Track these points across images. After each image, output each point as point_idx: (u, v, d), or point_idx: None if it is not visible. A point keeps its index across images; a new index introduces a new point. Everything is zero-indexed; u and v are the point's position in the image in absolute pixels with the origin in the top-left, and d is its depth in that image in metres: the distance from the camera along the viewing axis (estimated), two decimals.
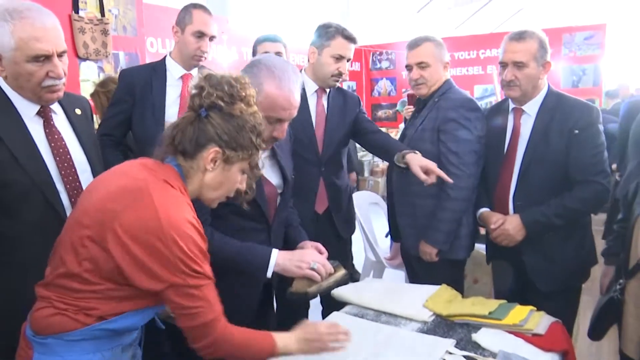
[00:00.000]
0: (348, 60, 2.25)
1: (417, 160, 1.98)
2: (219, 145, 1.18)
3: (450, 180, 1.98)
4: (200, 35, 2.23)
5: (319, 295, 1.56)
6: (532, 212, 2.02)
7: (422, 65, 2.18)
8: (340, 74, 2.23)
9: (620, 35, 6.99)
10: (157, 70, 2.26)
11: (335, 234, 2.35)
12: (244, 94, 1.21)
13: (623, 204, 2.10)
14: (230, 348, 1.18)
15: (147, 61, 2.58)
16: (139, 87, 2.20)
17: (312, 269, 1.49)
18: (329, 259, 1.60)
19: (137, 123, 2.19)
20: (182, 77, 2.28)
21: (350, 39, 2.22)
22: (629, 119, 3.55)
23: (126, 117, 2.20)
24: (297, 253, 1.54)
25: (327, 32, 2.20)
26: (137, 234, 1.07)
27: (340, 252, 2.39)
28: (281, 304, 2.19)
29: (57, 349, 1.12)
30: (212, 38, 2.28)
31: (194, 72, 2.32)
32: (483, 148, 2.16)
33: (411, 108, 3.88)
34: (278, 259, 1.50)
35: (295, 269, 1.50)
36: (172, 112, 2.22)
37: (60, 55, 1.47)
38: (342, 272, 1.56)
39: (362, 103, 2.48)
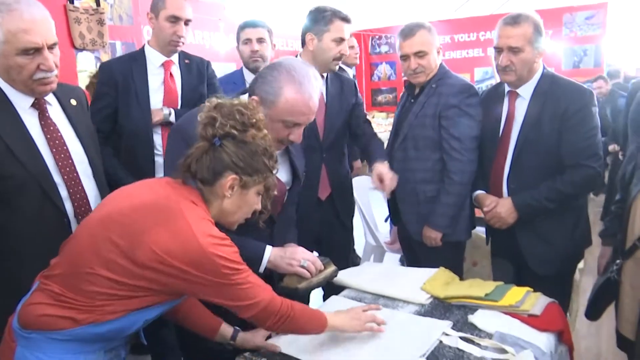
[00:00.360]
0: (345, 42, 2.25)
1: (376, 169, 2.13)
2: (236, 172, 1.22)
3: (388, 195, 2.14)
4: (175, 19, 2.18)
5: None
6: (523, 196, 2.02)
7: (420, 54, 2.16)
8: (341, 57, 2.23)
9: (622, 15, 6.89)
10: (137, 59, 2.23)
11: (338, 220, 2.36)
12: (254, 120, 1.25)
13: (621, 185, 2.11)
14: (294, 320, 1.28)
15: None
16: (120, 79, 2.17)
17: (302, 266, 1.53)
18: (320, 254, 1.64)
19: (123, 115, 2.17)
20: (163, 64, 2.24)
21: (347, 20, 2.22)
22: (633, 99, 3.56)
23: (111, 111, 2.16)
24: (289, 250, 1.57)
25: (324, 17, 2.19)
26: (177, 252, 1.11)
27: (343, 238, 2.42)
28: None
29: (42, 345, 1.14)
30: (187, 22, 2.23)
31: (175, 58, 2.29)
32: (480, 132, 2.17)
33: None
34: (271, 256, 1.54)
35: (286, 266, 1.54)
36: (156, 101, 2.20)
37: (51, 47, 1.46)
38: (331, 268, 1.60)
39: (358, 88, 2.48)
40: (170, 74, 2.27)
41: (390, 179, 2.09)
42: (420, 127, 2.18)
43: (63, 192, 1.55)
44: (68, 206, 1.56)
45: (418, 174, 2.20)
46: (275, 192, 1.59)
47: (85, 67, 3.65)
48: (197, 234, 1.12)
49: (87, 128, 1.71)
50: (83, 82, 3.42)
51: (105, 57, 3.73)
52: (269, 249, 1.55)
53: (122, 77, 2.18)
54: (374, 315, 1.45)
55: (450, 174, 2.13)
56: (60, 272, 1.18)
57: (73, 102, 1.68)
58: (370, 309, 1.48)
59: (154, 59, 2.24)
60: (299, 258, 1.54)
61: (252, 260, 1.51)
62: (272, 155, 1.29)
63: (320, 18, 2.19)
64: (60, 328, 1.13)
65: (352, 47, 3.93)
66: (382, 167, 2.12)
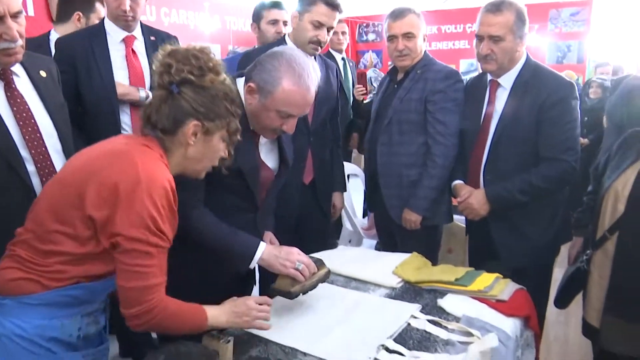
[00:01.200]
0: (330, 30, 2.18)
1: (334, 198, 2.45)
2: (197, 118, 1.20)
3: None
4: None
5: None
6: (497, 188, 2.02)
7: (408, 35, 2.17)
8: (318, 42, 2.16)
9: (606, 12, 6.96)
10: (97, 34, 2.11)
11: (318, 205, 2.36)
12: (211, 64, 1.22)
13: (594, 177, 2.12)
14: (161, 319, 1.16)
15: None
16: (78, 55, 2.05)
17: (297, 269, 1.47)
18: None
19: (85, 93, 2.06)
20: (124, 40, 2.13)
21: (333, 5, 2.13)
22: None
23: (70, 88, 2.01)
24: (284, 250, 1.51)
25: None
26: (112, 181, 1.09)
27: (321, 223, 2.42)
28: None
29: (16, 312, 1.12)
30: None
31: (137, 33, 2.17)
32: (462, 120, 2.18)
33: (361, 87, 3.88)
34: (264, 254, 1.48)
35: (280, 266, 1.47)
36: (121, 76, 2.09)
37: (14, 16, 1.39)
38: (324, 270, 1.55)
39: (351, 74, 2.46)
40: (133, 50, 2.15)
41: (340, 209, 2.53)
42: (406, 112, 2.20)
43: (30, 167, 1.51)
44: (35, 181, 1.52)
45: (402, 158, 2.22)
46: (262, 179, 1.59)
47: None
48: (140, 167, 1.10)
49: (58, 101, 1.66)
50: None
51: None
52: (262, 246, 1.49)
53: (81, 53, 2.06)
54: (265, 310, 1.35)
55: (434, 157, 2.15)
56: (25, 237, 1.17)
57: (43, 73, 1.63)
58: (266, 302, 1.37)
59: (114, 34, 2.12)
60: (294, 260, 1.48)
61: (244, 254, 1.47)
62: (234, 100, 1.26)
63: None
64: (30, 292, 1.12)
65: (343, 34, 3.88)
66: (338, 198, 2.47)
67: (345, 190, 2.54)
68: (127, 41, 2.15)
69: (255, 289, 1.98)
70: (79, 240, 1.12)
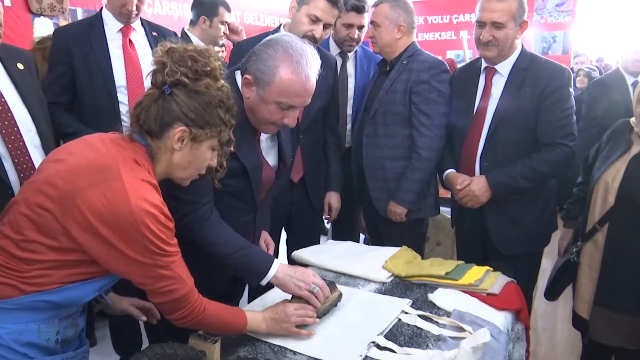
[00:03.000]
0: (327, 27, 2.10)
1: (327, 197, 2.38)
2: (186, 123, 1.14)
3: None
4: None
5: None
6: (498, 174, 1.99)
7: (374, 24, 2.21)
8: (313, 38, 2.05)
9: (590, 3, 7.01)
10: (94, 25, 2.06)
11: (309, 203, 2.32)
12: (209, 68, 1.16)
13: (583, 168, 2.13)
14: (202, 320, 1.21)
15: None
16: (75, 45, 2.01)
17: (312, 292, 1.41)
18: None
19: (84, 87, 2.02)
20: (121, 29, 2.09)
21: (332, 1, 2.04)
22: None
23: (68, 80, 2.01)
24: (300, 271, 1.43)
25: None
26: (105, 216, 1.03)
27: (312, 219, 2.39)
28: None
29: None
30: None
31: (137, 25, 2.13)
32: (451, 109, 2.16)
33: None
34: (278, 272, 1.41)
35: (294, 287, 1.41)
36: (118, 70, 2.04)
37: None
38: (337, 293, 1.49)
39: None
40: (130, 40, 2.10)
41: (336, 209, 2.39)
42: (391, 103, 2.17)
43: (7, 162, 1.46)
44: (13, 178, 1.47)
45: (386, 150, 2.20)
46: (263, 178, 1.53)
47: (43, 34, 3.45)
48: (131, 197, 1.04)
49: (36, 95, 1.61)
50: None
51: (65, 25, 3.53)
52: (276, 264, 1.42)
53: (78, 45, 2.01)
54: (305, 315, 1.36)
55: (418, 150, 2.13)
56: (1, 243, 1.10)
57: (20, 66, 1.58)
58: (306, 309, 1.37)
59: (111, 24, 2.08)
60: (309, 282, 1.41)
61: (257, 271, 1.42)
62: (230, 109, 1.20)
63: None
64: (7, 297, 1.07)
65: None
66: (334, 198, 2.37)
67: (341, 190, 2.43)
68: (125, 31, 2.10)
69: (246, 291, 1.95)
70: (63, 251, 1.07)
